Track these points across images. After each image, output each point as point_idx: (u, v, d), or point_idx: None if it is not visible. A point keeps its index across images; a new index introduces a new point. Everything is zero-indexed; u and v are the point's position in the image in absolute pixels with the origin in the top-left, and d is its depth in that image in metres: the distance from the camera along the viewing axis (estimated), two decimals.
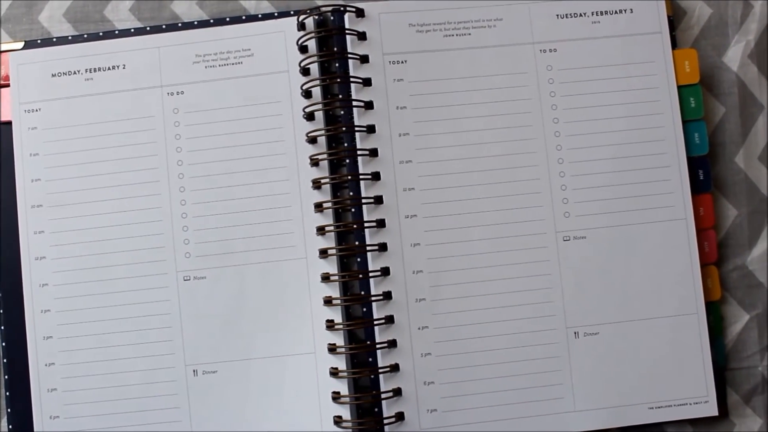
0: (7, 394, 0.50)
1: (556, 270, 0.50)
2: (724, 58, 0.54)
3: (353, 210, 0.50)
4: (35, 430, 0.50)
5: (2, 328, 0.51)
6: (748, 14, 0.54)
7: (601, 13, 0.52)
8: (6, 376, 0.50)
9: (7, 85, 0.52)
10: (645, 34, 0.52)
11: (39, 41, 0.53)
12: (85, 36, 0.53)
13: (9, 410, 0.50)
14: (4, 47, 0.53)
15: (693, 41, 0.54)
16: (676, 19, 0.53)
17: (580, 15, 0.52)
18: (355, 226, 0.50)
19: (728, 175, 0.53)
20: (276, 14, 0.53)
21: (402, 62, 0.51)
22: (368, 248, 0.49)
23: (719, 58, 0.54)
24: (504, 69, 0.51)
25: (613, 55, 0.51)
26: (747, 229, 0.53)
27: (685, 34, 0.54)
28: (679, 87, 0.51)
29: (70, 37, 0.53)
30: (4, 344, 0.51)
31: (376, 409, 0.49)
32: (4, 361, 0.51)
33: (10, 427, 0.50)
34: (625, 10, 0.52)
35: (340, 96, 0.51)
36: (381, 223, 0.50)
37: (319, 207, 0.50)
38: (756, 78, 0.53)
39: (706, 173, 0.52)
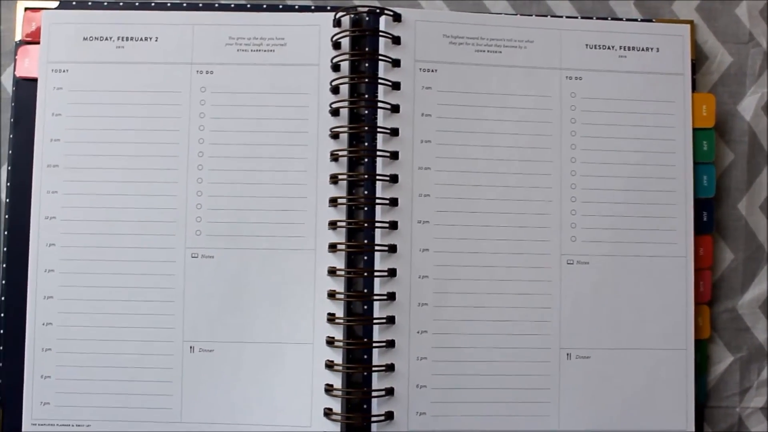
0: (0, 348, 0.50)
1: (557, 291, 0.51)
2: (739, 107, 0.55)
3: (366, 209, 0.51)
4: (25, 388, 0.50)
5: (4, 283, 0.51)
6: (766, 67, 0.55)
7: (629, 48, 0.53)
8: (1, 330, 0.50)
9: (30, 42, 0.52)
10: (668, 74, 0.53)
11: (74, 2, 0.53)
12: (121, 4, 0.53)
13: (0, 366, 0.50)
14: (38, 4, 0.53)
15: (711, 86, 0.55)
16: (697, 63, 0.55)
17: (609, 47, 0.53)
18: (366, 224, 0.50)
19: (730, 220, 0.55)
20: (313, 7, 0.53)
21: (432, 71, 0.52)
22: (377, 248, 0.50)
23: (734, 105, 0.55)
24: (529, 90, 0.52)
25: (636, 90, 0.53)
26: (741, 274, 0.55)
27: (704, 78, 0.55)
28: (694, 129, 0.53)
29: (105, 3, 0.53)
30: (3, 299, 0.51)
31: (365, 406, 0.50)
32: (1, 315, 0.51)
33: (0, 383, 0.50)
34: (652, 48, 0.53)
35: (367, 96, 0.51)
36: (393, 225, 0.50)
37: (333, 202, 0.51)
38: (766, 129, 0.55)
39: (709, 215, 0.53)
